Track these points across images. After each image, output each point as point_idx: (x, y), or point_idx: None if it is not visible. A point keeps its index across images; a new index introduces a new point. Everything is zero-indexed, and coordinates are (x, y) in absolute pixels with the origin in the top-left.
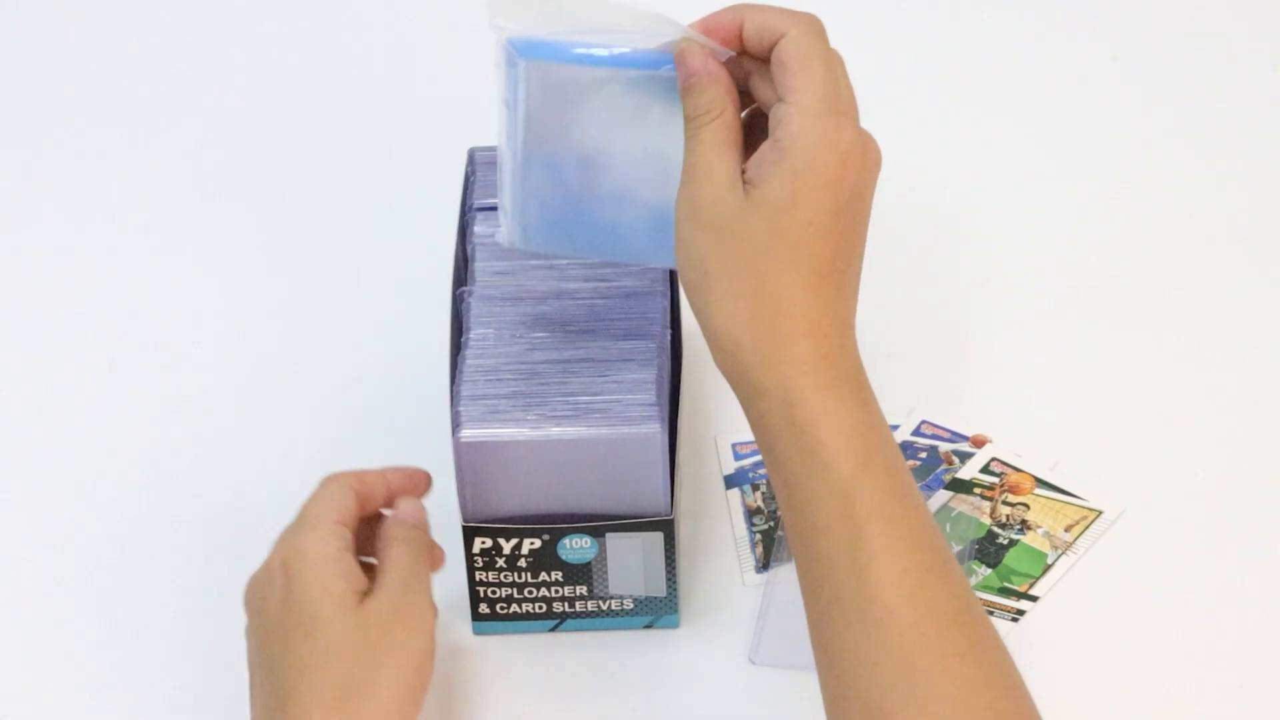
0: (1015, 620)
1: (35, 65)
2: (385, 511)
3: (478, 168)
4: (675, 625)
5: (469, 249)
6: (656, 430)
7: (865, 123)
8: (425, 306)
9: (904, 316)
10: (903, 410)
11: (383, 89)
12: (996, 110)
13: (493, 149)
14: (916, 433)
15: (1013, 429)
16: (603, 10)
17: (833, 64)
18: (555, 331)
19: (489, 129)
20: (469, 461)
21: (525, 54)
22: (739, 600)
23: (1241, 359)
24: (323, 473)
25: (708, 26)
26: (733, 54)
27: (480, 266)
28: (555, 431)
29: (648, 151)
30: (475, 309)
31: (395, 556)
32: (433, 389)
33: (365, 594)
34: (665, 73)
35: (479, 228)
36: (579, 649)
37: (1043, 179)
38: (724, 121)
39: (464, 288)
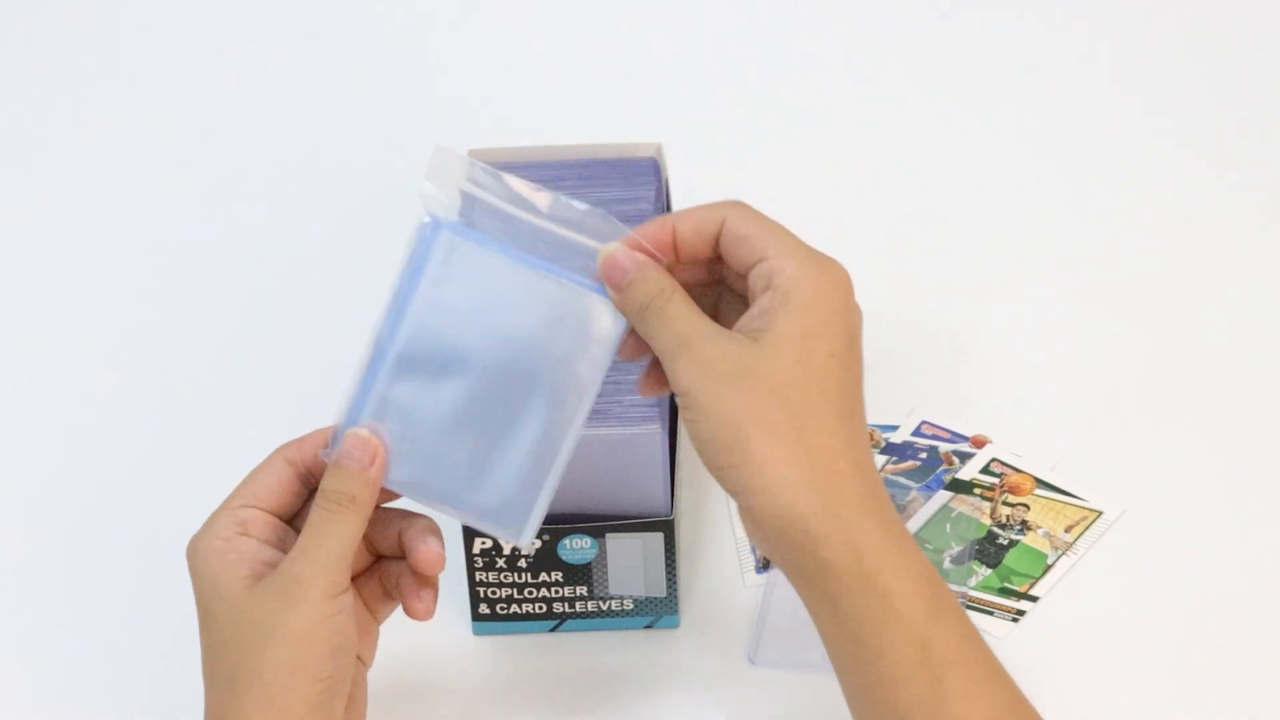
0: (1015, 620)
1: (36, 65)
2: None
3: None
4: (675, 625)
5: None
6: (657, 430)
7: (869, 123)
8: None
9: (904, 316)
10: (903, 410)
11: (382, 90)
12: (997, 110)
13: (492, 150)
14: (916, 433)
15: (1013, 430)
16: (541, 199)
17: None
18: None
19: (489, 130)
20: None
21: (450, 227)
22: (739, 601)
23: (1243, 359)
24: None
25: (640, 237)
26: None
27: None
28: None
29: (545, 375)
30: None
31: (307, 521)
32: None
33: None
34: (593, 290)
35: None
36: (579, 649)
37: (1044, 179)
38: (681, 295)
39: None
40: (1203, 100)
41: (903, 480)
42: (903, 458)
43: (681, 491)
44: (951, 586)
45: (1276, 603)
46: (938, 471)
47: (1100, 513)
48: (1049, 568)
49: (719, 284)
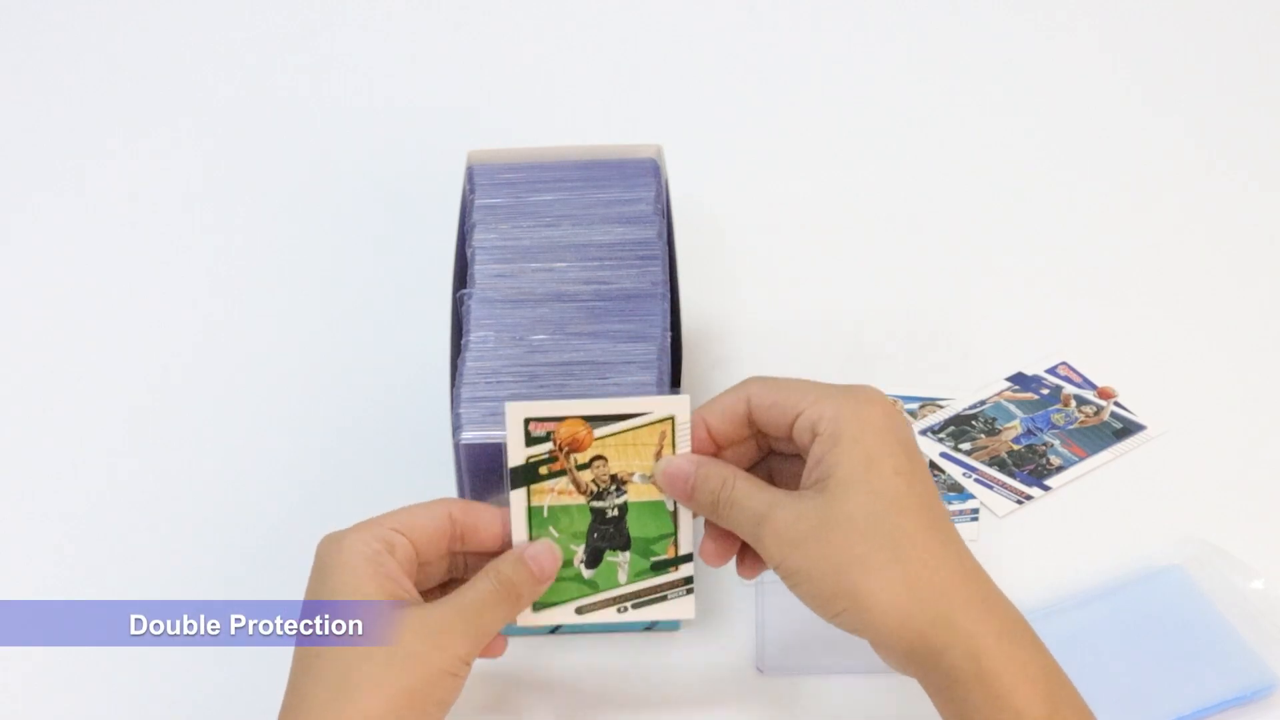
0: (689, 592)
1: (37, 66)
2: None
3: (477, 171)
4: (676, 628)
5: (469, 252)
6: None
7: (869, 123)
8: (426, 309)
9: (902, 315)
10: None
11: (383, 92)
12: (997, 110)
13: (493, 151)
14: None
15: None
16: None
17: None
18: (555, 334)
19: (489, 132)
20: (469, 463)
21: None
22: (739, 602)
23: (1240, 362)
24: (325, 474)
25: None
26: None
27: (480, 269)
28: None
29: None
30: (475, 311)
31: (472, 583)
32: (433, 391)
33: (403, 601)
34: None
35: (479, 231)
36: (579, 650)
37: (1029, 176)
38: (741, 476)
39: (464, 290)
40: (1204, 99)
41: None
42: None
43: None
44: (610, 594)
45: None
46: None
47: (671, 417)
48: (675, 514)
49: (770, 454)
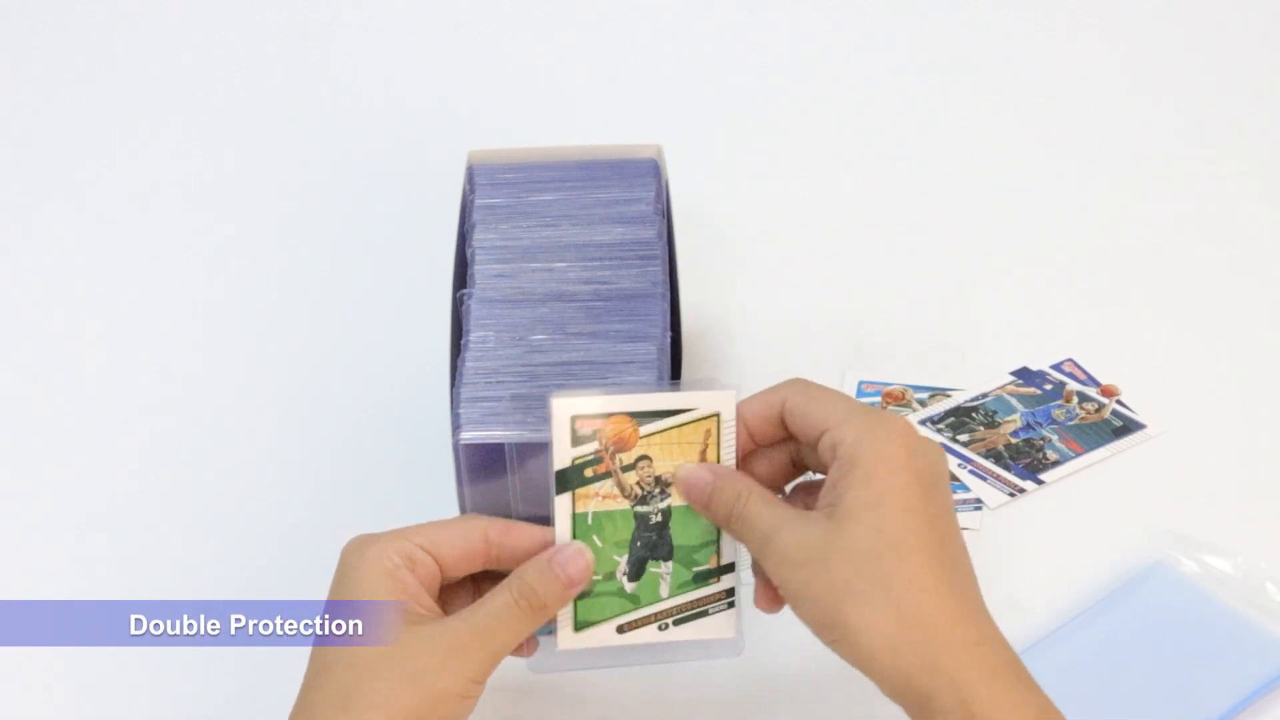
0: (730, 605)
1: (37, 66)
2: None
3: (477, 171)
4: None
5: (469, 252)
6: None
7: (868, 124)
8: (425, 309)
9: (899, 314)
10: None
11: (383, 92)
12: (997, 110)
13: (493, 151)
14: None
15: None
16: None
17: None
18: (555, 334)
19: (489, 133)
20: (469, 463)
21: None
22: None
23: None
24: (325, 474)
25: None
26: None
27: (480, 269)
28: None
29: None
30: (475, 311)
31: (490, 596)
32: (433, 391)
33: (416, 613)
34: None
35: (479, 231)
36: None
37: (1032, 172)
38: (756, 492)
39: (464, 290)
40: (1210, 100)
41: None
42: None
43: None
44: (652, 610)
45: None
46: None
47: (716, 414)
48: None
49: (801, 466)
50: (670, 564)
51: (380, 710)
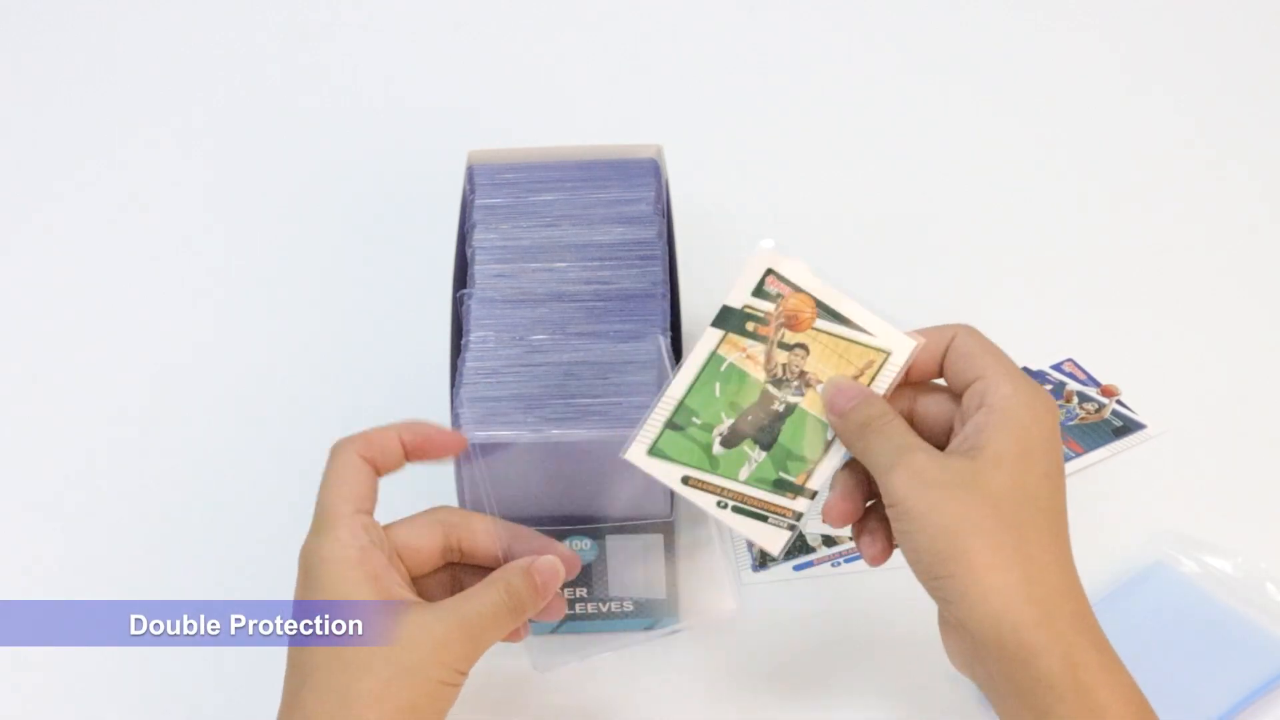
0: (792, 528)
1: (37, 66)
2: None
3: (477, 171)
4: (673, 625)
5: (469, 252)
6: None
7: (868, 124)
8: (426, 309)
9: (897, 313)
10: None
11: (383, 92)
12: (997, 110)
13: (494, 151)
14: None
15: None
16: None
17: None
18: (555, 334)
19: (489, 133)
20: (469, 463)
21: None
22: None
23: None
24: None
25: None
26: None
27: (480, 269)
28: (555, 433)
29: None
30: (475, 311)
31: (478, 591)
32: (433, 391)
33: (401, 602)
34: None
35: (479, 231)
36: (579, 651)
37: (1038, 178)
38: (901, 422)
39: (464, 290)
40: (1212, 101)
41: None
42: None
43: None
44: (723, 483)
45: None
46: None
47: (888, 352)
48: (829, 445)
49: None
50: (764, 454)
51: (378, 705)
